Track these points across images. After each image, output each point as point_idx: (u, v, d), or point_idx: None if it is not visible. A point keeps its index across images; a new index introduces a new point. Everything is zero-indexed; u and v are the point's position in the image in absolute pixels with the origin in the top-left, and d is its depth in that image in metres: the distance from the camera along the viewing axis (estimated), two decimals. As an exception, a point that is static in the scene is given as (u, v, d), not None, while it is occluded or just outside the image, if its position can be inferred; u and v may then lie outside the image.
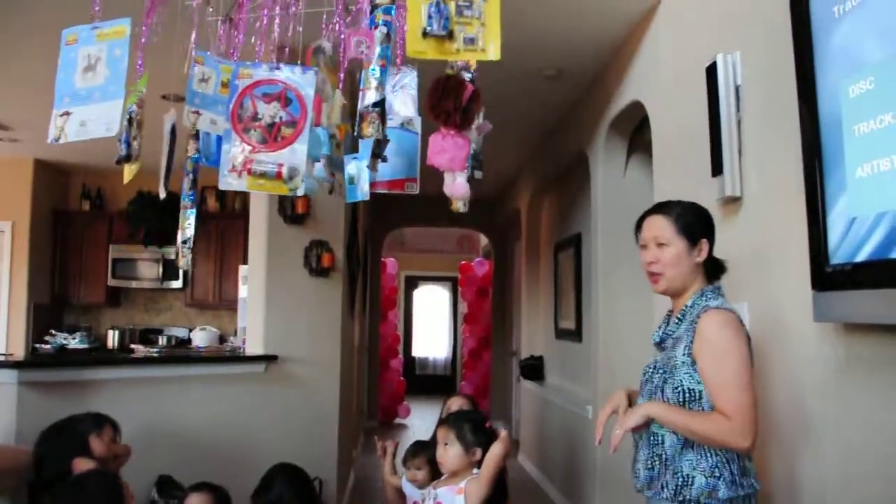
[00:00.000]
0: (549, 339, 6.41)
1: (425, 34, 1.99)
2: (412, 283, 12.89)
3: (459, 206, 2.73)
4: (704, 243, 2.10)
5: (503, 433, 2.85)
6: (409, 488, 3.37)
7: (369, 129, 2.17)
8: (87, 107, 2.16)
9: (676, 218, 2.12)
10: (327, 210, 4.57)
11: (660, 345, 2.18)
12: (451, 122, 2.23)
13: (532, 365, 6.70)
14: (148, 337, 7.32)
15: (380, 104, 2.12)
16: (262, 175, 2.22)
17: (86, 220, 7.38)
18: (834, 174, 1.96)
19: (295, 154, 2.25)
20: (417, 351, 12.95)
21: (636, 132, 4.65)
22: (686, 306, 2.08)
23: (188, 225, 2.84)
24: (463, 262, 10.71)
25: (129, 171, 2.46)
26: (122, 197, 7.05)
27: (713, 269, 2.14)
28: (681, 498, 1.96)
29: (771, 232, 2.52)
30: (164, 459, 3.83)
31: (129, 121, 2.32)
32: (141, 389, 3.82)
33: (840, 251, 1.96)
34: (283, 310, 4.53)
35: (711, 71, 2.81)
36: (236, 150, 2.25)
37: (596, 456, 4.73)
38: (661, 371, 2.09)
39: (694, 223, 2.12)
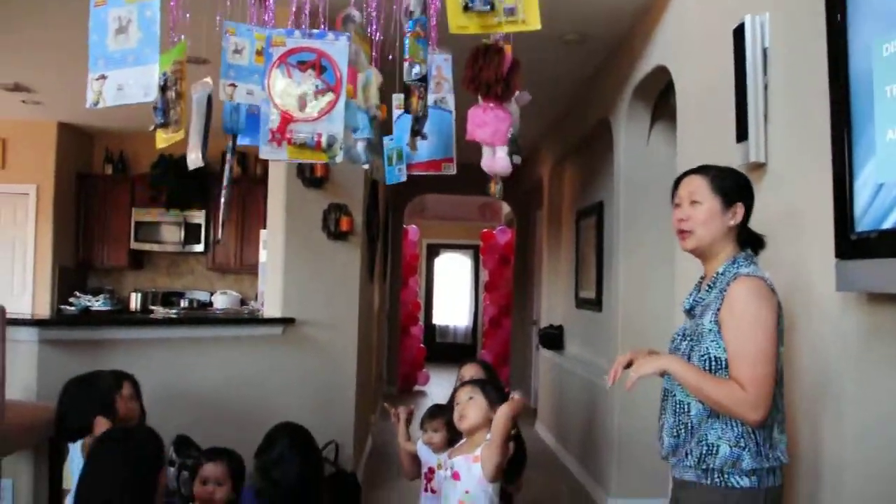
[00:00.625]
0: (570, 308, 6.37)
1: (466, 8, 1.95)
2: (434, 251, 12.87)
3: (497, 189, 2.69)
4: (739, 207, 2.04)
5: (515, 395, 2.83)
6: (424, 452, 3.36)
7: (418, 104, 2.14)
8: (123, 70, 2.12)
9: (713, 178, 2.08)
10: (346, 174, 4.54)
11: (690, 312, 2.12)
12: (492, 93, 2.18)
13: (551, 334, 6.67)
14: (170, 300, 7.39)
15: (424, 78, 2.09)
16: (303, 144, 2.18)
17: (109, 184, 7.42)
18: (862, 138, 1.89)
19: (333, 122, 2.21)
20: (438, 319, 12.98)
21: (660, 99, 4.56)
22: (717, 273, 2.03)
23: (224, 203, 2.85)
24: (485, 230, 10.66)
25: (161, 138, 2.42)
26: (145, 161, 7.08)
27: (749, 240, 2.08)
28: (704, 466, 1.94)
29: (796, 199, 2.46)
30: (181, 419, 3.86)
31: (164, 87, 2.30)
32: (160, 350, 3.85)
33: (866, 218, 1.90)
34: (301, 273, 4.53)
35: (739, 33, 2.73)
36: (274, 120, 2.22)
37: (614, 426, 4.72)
38: (688, 338, 2.06)
39: (731, 185, 2.07)
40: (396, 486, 4.92)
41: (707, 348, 1.96)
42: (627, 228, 4.76)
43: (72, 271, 7.18)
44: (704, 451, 1.94)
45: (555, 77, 5.35)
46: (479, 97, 2.28)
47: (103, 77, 2.13)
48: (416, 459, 3.38)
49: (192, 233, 7.31)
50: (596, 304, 5.42)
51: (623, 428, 4.68)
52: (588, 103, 5.60)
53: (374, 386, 7.04)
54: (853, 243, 1.95)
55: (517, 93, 2.39)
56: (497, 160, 2.34)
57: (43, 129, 6.78)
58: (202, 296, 7.47)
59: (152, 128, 2.41)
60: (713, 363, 1.94)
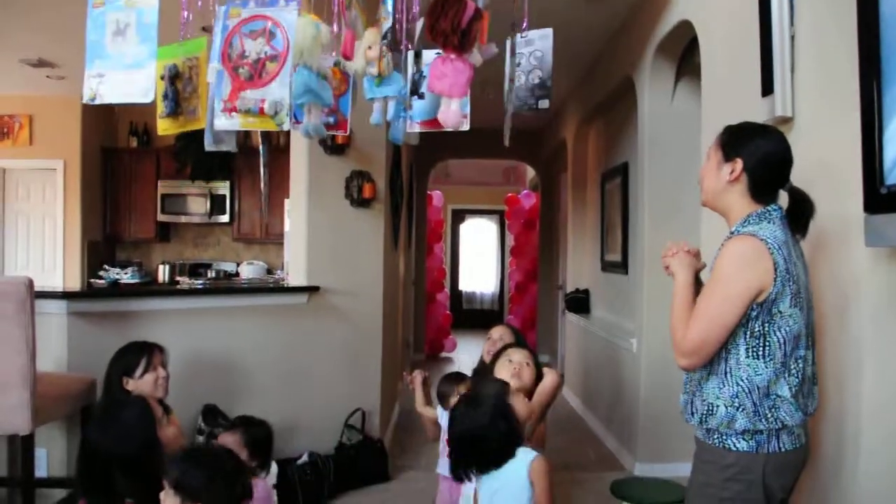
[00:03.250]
0: (595, 271, 6.32)
1: None
2: (459, 217, 12.83)
3: (506, 136, 2.65)
4: (737, 163, 1.97)
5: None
6: (444, 418, 3.38)
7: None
8: (120, 72, 2.19)
9: (723, 132, 2.05)
10: (368, 140, 4.52)
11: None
12: (450, 44, 2.13)
13: (577, 298, 6.63)
14: (197, 271, 7.46)
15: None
16: (248, 112, 2.21)
17: (134, 157, 7.48)
18: (892, 86, 1.81)
19: (277, 88, 2.22)
20: (464, 285, 12.98)
21: (684, 55, 4.45)
22: (730, 232, 1.98)
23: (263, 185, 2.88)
24: (509, 195, 10.59)
25: (164, 126, 2.47)
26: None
27: (763, 192, 1.98)
28: (706, 426, 1.95)
29: (824, 153, 2.38)
30: (209, 388, 3.92)
31: (174, 77, 2.37)
32: (186, 320, 3.89)
33: (896, 171, 1.83)
34: (325, 241, 4.53)
35: (764, -18, 2.64)
36: (226, 90, 2.25)
37: (640, 390, 4.70)
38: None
39: (729, 139, 2.02)
40: (425, 451, 4.96)
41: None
42: (653, 189, 4.69)
43: (100, 245, 7.27)
44: (705, 410, 1.94)
45: (577, 36, 5.25)
46: (439, 47, 2.24)
47: (101, 75, 2.19)
48: (437, 424, 3.41)
49: (217, 204, 7.36)
50: (622, 267, 5.37)
51: (650, 392, 4.66)
52: (611, 62, 5.49)
53: (400, 353, 7.08)
54: (882, 197, 1.88)
55: (482, 45, 2.31)
56: (450, 113, 2.28)
57: (68, 104, 6.83)
58: (229, 266, 7.54)
59: (159, 115, 2.47)
60: None
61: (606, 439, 5.51)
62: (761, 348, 1.87)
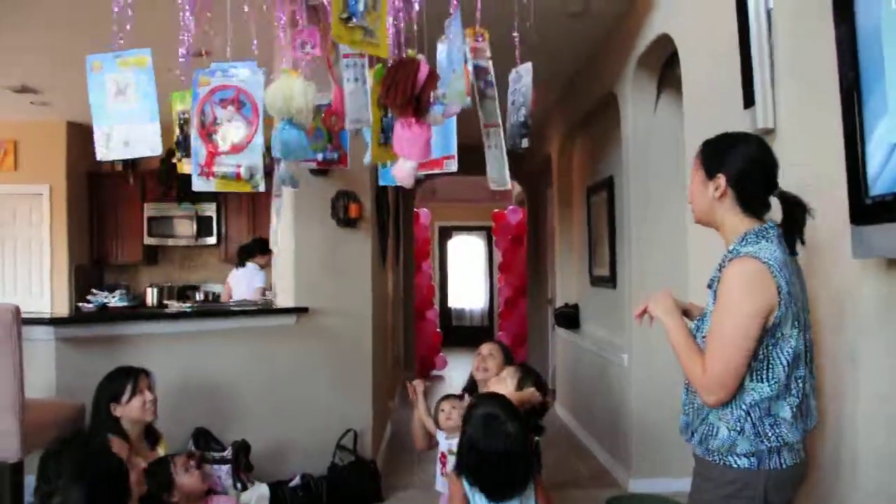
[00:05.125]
0: (584, 286, 6.33)
1: (346, 20, 2.00)
2: (446, 234, 12.86)
3: (492, 185, 2.71)
4: (720, 179, 1.94)
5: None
6: (440, 437, 3.40)
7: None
8: (127, 126, 2.31)
9: (701, 149, 2.04)
10: (353, 161, 4.51)
11: (710, 287, 2.06)
12: (405, 113, 2.19)
13: (567, 313, 6.64)
14: (185, 293, 7.43)
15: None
16: (224, 176, 2.34)
17: (119, 181, 7.45)
18: (873, 96, 1.83)
19: (252, 154, 2.37)
20: (453, 302, 12.97)
21: (665, 68, 4.50)
22: (728, 251, 1.97)
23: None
24: (496, 211, 10.62)
25: (184, 166, 2.68)
26: (154, 156, 7.08)
27: (752, 203, 1.96)
28: (706, 446, 1.94)
29: (807, 164, 2.41)
30: (199, 412, 3.89)
31: (182, 124, 2.60)
32: (175, 343, 3.87)
33: (880, 181, 1.85)
34: (313, 261, 4.52)
35: (742, -4, 2.67)
36: (202, 155, 2.38)
37: (632, 404, 4.70)
38: (700, 318, 2.04)
39: (709, 154, 2.01)
40: (418, 470, 4.94)
41: (706, 329, 1.94)
42: (638, 203, 4.72)
43: (88, 269, 7.23)
44: (706, 432, 1.94)
45: (559, 51, 5.29)
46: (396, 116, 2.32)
47: (108, 134, 2.31)
48: (430, 436, 3.45)
49: (204, 225, 7.35)
50: (610, 281, 5.38)
51: (642, 407, 4.66)
52: (593, 77, 5.54)
53: (391, 372, 7.06)
54: (868, 208, 1.90)
55: (446, 105, 2.36)
56: (402, 170, 2.37)
57: (52, 129, 6.82)
58: (217, 288, 7.50)
59: (176, 159, 2.72)
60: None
61: (599, 454, 5.50)
62: (765, 371, 1.86)
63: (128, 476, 1.77)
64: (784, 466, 1.88)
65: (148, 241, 7.37)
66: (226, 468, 3.64)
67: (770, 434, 1.85)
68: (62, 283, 6.83)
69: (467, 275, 13.00)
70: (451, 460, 3.32)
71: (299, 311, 4.41)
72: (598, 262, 5.80)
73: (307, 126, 2.50)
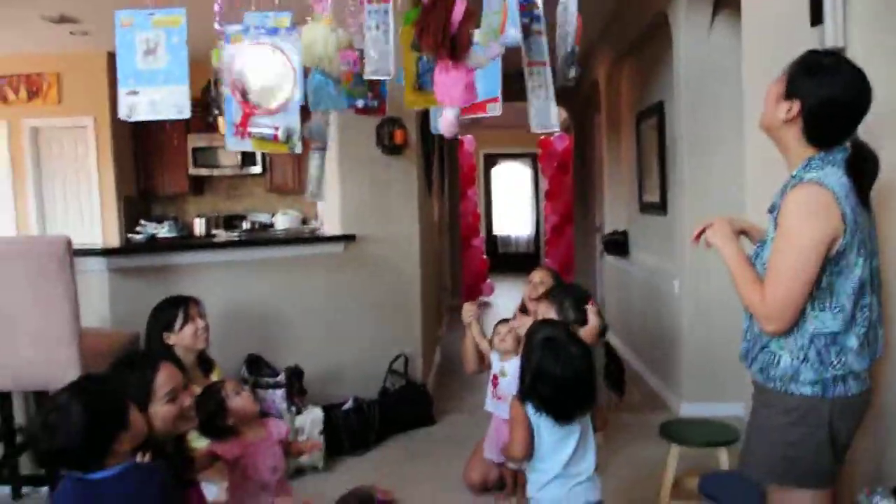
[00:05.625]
0: (634, 212, 6.19)
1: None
2: (491, 161, 12.69)
3: (536, 129, 2.60)
4: (794, 104, 1.82)
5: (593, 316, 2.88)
6: (494, 358, 3.42)
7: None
8: (154, 88, 2.24)
9: (795, 62, 1.87)
10: (397, 87, 4.40)
11: (771, 212, 1.96)
12: (441, 56, 2.04)
13: (616, 240, 6.53)
14: (232, 223, 7.47)
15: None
16: (262, 138, 2.28)
17: (163, 111, 7.42)
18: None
19: (289, 115, 2.30)
20: (499, 229, 12.90)
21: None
22: (791, 176, 1.86)
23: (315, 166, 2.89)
24: (542, 138, 10.41)
25: (223, 125, 2.54)
26: (196, 85, 7.02)
27: (819, 140, 1.83)
28: (767, 374, 1.88)
29: (880, 87, 2.23)
30: (251, 339, 3.93)
31: (216, 82, 2.47)
32: (225, 272, 3.89)
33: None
34: (359, 189, 4.48)
35: None
36: (236, 114, 2.32)
37: (683, 330, 4.63)
38: (760, 245, 1.96)
39: (795, 73, 1.85)
40: (467, 395, 4.96)
41: (766, 256, 1.86)
42: (691, 128, 4.57)
43: (136, 200, 7.30)
44: (767, 360, 1.88)
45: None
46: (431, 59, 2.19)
47: (135, 92, 2.24)
48: (482, 358, 3.46)
49: (248, 155, 7.31)
50: (661, 208, 5.24)
51: (693, 333, 4.59)
52: (643, -3, 5.28)
53: (438, 299, 7.07)
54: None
55: (490, 44, 2.20)
56: (443, 120, 2.23)
57: (94, 60, 6.76)
58: (264, 217, 7.54)
59: (212, 118, 2.68)
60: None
61: (650, 379, 5.46)
62: (828, 299, 1.79)
63: (127, 409, 1.76)
64: (850, 394, 1.82)
65: (193, 171, 7.38)
66: (280, 392, 3.69)
67: (836, 362, 1.79)
68: (112, 216, 6.89)
69: (513, 202, 12.86)
70: (502, 382, 3.34)
71: (347, 238, 4.40)
72: (647, 189, 5.65)
73: (335, 74, 2.41)
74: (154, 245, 3.88)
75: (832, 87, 1.80)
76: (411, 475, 3.72)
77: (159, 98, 2.24)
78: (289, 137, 2.32)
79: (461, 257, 9.70)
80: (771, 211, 1.93)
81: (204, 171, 7.44)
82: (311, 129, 2.81)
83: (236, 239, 4.27)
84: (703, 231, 2.08)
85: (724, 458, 2.92)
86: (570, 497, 2.18)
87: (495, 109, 2.68)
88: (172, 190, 7.50)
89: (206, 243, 4.35)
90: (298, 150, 2.40)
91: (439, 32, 1.99)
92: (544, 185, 10.98)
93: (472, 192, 10.32)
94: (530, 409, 2.20)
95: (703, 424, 3.14)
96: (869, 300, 1.81)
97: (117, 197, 6.91)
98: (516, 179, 12.85)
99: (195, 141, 7.31)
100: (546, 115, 2.62)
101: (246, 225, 7.39)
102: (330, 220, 4.60)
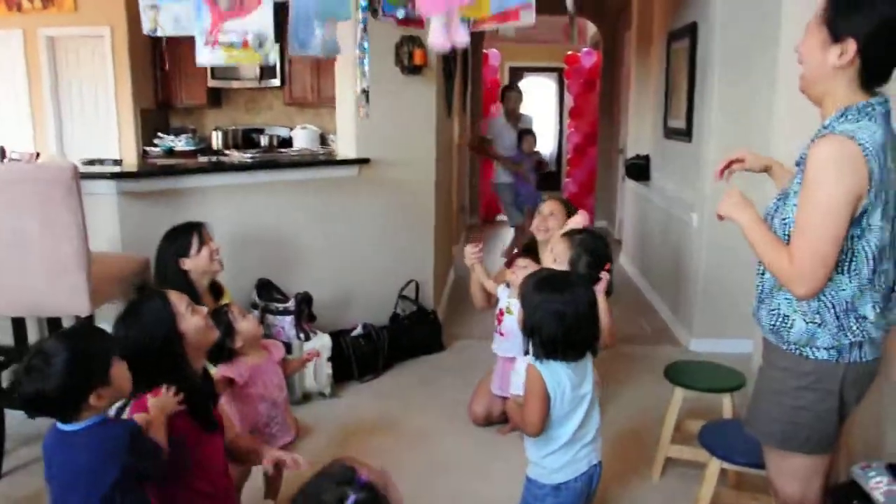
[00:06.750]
0: (658, 137, 6.04)
1: None
2: (516, 75, 12.35)
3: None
4: (850, 44, 1.66)
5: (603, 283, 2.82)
6: (501, 293, 3.40)
7: None
8: (175, 4, 2.23)
9: (830, 2, 1.71)
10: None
11: (798, 165, 1.85)
12: None
13: (638, 164, 6.39)
14: (250, 137, 7.40)
15: None
16: (230, 45, 2.13)
17: (181, 20, 7.26)
18: None
19: (261, 18, 2.18)
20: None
21: None
22: (822, 126, 1.74)
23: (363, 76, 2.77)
24: (569, 53, 10.09)
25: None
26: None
27: (877, 76, 1.70)
28: (779, 336, 1.83)
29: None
30: (262, 263, 3.95)
31: None
32: (237, 195, 3.87)
33: None
34: (375, 110, 4.34)
35: None
36: (206, 21, 2.21)
37: (699, 265, 4.58)
38: (780, 197, 1.86)
39: (839, 11, 1.69)
40: (478, 319, 4.97)
41: (788, 212, 1.77)
42: (724, 53, 4.38)
43: (153, 112, 7.23)
44: (778, 322, 1.82)
45: None
46: None
47: (155, 6, 2.22)
48: (489, 296, 3.46)
49: (267, 68, 7.16)
50: (686, 134, 5.10)
51: (708, 268, 4.54)
52: None
53: (455, 219, 7.04)
54: None
55: None
56: (430, 33, 2.09)
57: (110, -34, 6.58)
58: (282, 131, 7.46)
59: None
60: (793, 229, 1.74)
61: (662, 311, 5.45)
62: (847, 262, 1.71)
63: (109, 365, 1.77)
64: (864, 360, 1.78)
65: (212, 83, 7.26)
66: (289, 319, 3.72)
67: (855, 328, 1.74)
68: (129, 127, 6.83)
69: (536, 119, 12.58)
70: (507, 319, 3.33)
71: (361, 161, 4.33)
72: (674, 113, 5.49)
73: None
74: (165, 168, 3.85)
75: (886, 7, 1.65)
76: (417, 402, 3.78)
77: (180, 14, 2.23)
78: (260, 44, 2.22)
79: (480, 175, 9.59)
80: (798, 164, 1.83)
81: (223, 83, 7.32)
82: (326, 44, 2.72)
83: (248, 161, 4.23)
84: (728, 165, 2.02)
85: (727, 405, 2.92)
86: (574, 462, 2.15)
87: (528, 17, 2.56)
88: (191, 102, 7.40)
89: (218, 165, 4.31)
90: (271, 59, 2.28)
91: None
92: (569, 102, 10.70)
93: (495, 109, 10.10)
94: (550, 368, 2.08)
95: (708, 368, 3.13)
96: (887, 266, 1.75)
97: (134, 109, 6.83)
98: (541, 94, 12.53)
99: (213, 52, 7.16)
100: None
101: (264, 140, 7.32)
102: (345, 143, 4.53)
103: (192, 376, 2.13)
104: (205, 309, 2.24)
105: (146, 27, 2.24)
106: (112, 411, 1.94)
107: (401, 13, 2.65)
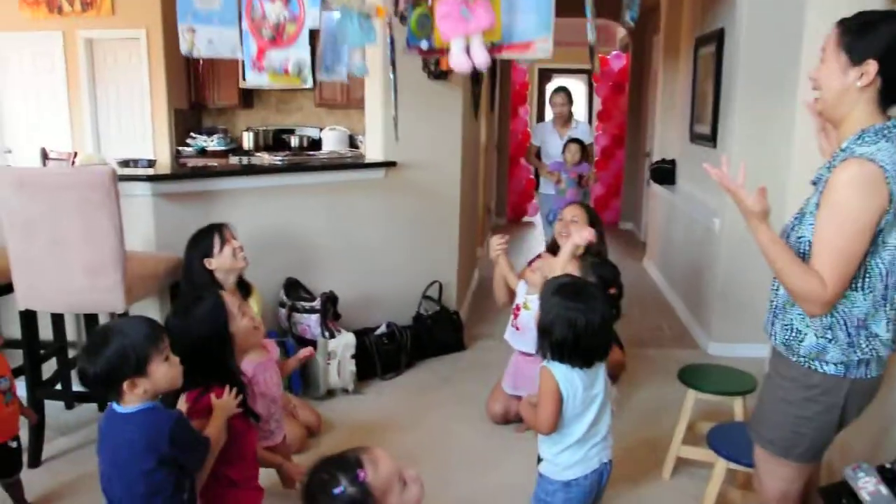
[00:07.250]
0: (684, 142, 6.06)
1: None
2: (545, 77, 12.38)
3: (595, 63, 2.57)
4: (870, 66, 1.70)
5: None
6: (520, 288, 3.47)
7: None
8: (210, 27, 2.47)
9: (847, 28, 1.75)
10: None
11: (815, 184, 1.89)
12: None
13: (664, 168, 6.41)
14: (280, 137, 7.55)
15: None
16: (274, 71, 2.41)
17: (215, 22, 7.43)
18: None
19: (298, 49, 2.47)
20: (549, 148, 12.69)
21: None
22: (840, 149, 1.78)
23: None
24: (599, 56, 10.09)
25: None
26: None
27: (888, 99, 1.74)
28: (789, 349, 1.87)
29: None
30: (290, 263, 4.06)
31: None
32: (267, 197, 3.98)
33: None
34: (402, 114, 4.44)
35: None
36: (252, 49, 2.49)
37: (719, 270, 4.61)
38: (797, 216, 1.90)
39: (856, 34, 1.72)
40: (501, 320, 5.02)
41: (804, 231, 1.81)
42: (749, 59, 4.41)
43: (187, 113, 7.41)
44: (790, 336, 1.86)
45: None
46: None
47: (193, 30, 2.46)
48: (511, 292, 3.54)
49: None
50: (711, 140, 5.13)
51: (728, 273, 4.57)
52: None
53: (481, 219, 7.11)
54: None
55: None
56: (451, 57, 2.22)
57: (147, -30, 6.77)
58: (312, 132, 7.61)
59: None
60: (809, 248, 1.78)
61: (682, 314, 5.49)
62: (861, 279, 1.74)
63: (147, 360, 1.90)
64: (868, 377, 1.83)
65: (244, 84, 7.43)
66: (315, 317, 3.83)
67: (865, 346, 1.78)
68: (163, 127, 7.02)
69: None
70: (523, 314, 3.40)
71: (388, 164, 4.43)
72: (699, 119, 5.51)
73: (358, 9, 2.47)
74: (198, 171, 3.99)
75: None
76: (436, 400, 3.88)
77: (215, 37, 2.47)
78: (300, 71, 2.47)
79: (508, 176, 9.66)
80: (815, 183, 1.86)
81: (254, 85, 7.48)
82: (354, 66, 2.85)
83: (278, 164, 4.35)
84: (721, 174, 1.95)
85: (738, 408, 2.97)
86: (585, 460, 2.21)
87: (543, 50, 2.63)
88: (223, 103, 7.58)
89: (248, 168, 4.45)
90: (309, 83, 2.58)
91: None
92: (598, 105, 10.72)
93: (523, 111, 10.17)
94: (562, 369, 2.14)
95: (721, 371, 3.18)
96: None
97: (168, 109, 7.02)
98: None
99: (246, 54, 7.32)
100: None
101: (294, 141, 7.47)
102: (372, 146, 4.63)
103: (238, 373, 2.29)
104: (252, 310, 2.38)
105: (184, 48, 2.50)
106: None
107: (424, 44, 2.79)
